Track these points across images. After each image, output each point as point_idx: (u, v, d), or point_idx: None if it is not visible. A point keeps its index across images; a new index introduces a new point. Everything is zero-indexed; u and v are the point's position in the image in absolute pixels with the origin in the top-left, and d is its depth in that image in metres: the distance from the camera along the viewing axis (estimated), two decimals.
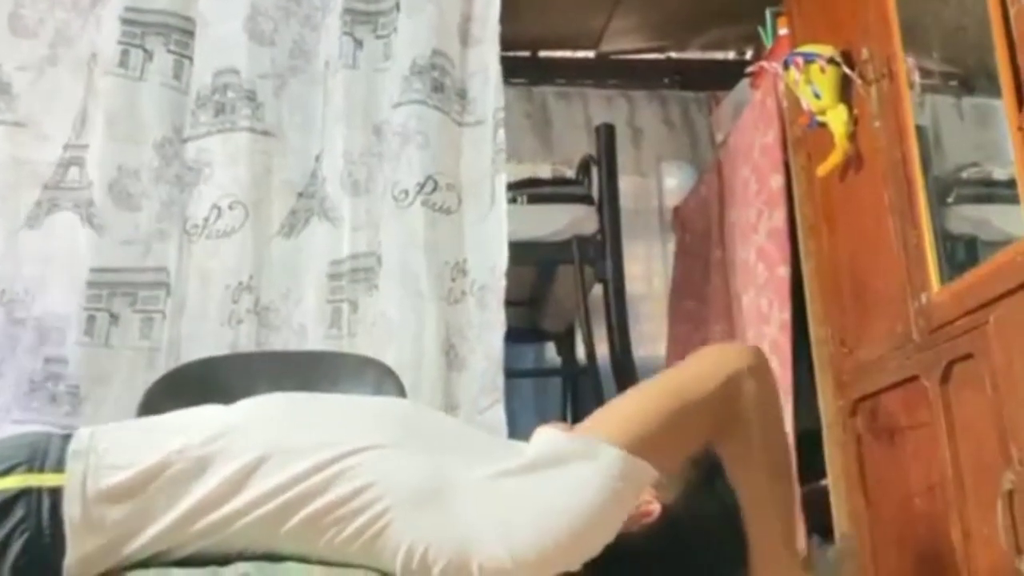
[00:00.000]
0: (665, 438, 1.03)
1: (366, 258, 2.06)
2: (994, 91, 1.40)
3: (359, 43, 2.18)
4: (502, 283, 1.97)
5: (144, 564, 1.02)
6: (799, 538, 1.95)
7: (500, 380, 1.93)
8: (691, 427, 1.06)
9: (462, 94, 2.15)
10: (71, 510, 1.01)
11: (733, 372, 1.06)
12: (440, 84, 2.12)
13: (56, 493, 1.01)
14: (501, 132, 2.05)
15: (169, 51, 2.16)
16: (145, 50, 2.14)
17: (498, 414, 1.88)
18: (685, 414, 1.05)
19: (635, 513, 1.15)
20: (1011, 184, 1.36)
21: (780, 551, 1.13)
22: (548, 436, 1.05)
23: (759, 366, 1.09)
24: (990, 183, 1.58)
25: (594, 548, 1.03)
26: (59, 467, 1.03)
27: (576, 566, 1.03)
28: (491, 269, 2.01)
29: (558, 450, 1.02)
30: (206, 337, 2.01)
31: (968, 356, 1.44)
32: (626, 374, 2.26)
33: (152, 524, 1.02)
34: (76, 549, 1.01)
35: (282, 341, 2.04)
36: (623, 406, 1.09)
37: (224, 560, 1.02)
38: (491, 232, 2.03)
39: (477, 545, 1.00)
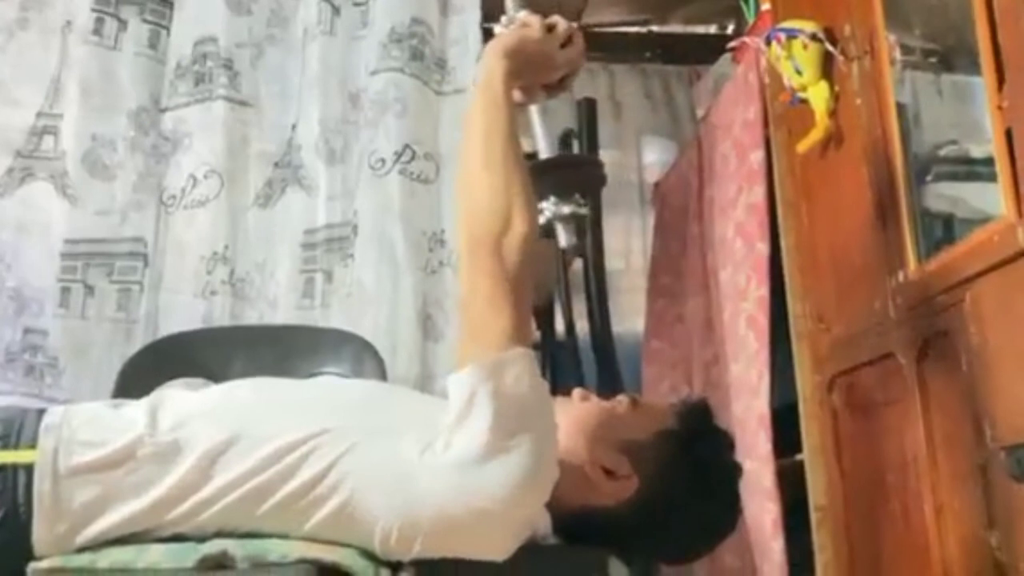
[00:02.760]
0: (514, 316, 1.05)
1: (341, 227, 2.04)
2: (973, 69, 1.39)
3: (336, 10, 2.15)
4: None
5: (122, 541, 1.02)
6: None
7: None
8: (511, 294, 1.07)
9: (441, 63, 2.13)
10: (41, 486, 1.00)
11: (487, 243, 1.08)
12: (419, 52, 2.09)
13: (31, 469, 1.01)
14: None
15: (144, 20, 2.13)
16: (119, 19, 2.11)
17: None
18: (501, 297, 1.06)
19: (612, 488, 1.16)
20: (989, 162, 1.36)
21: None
22: (451, 388, 1.05)
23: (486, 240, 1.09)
24: (968, 161, 1.59)
25: (553, 441, 1.06)
26: (34, 443, 1.02)
27: (557, 473, 1.06)
28: None
29: (464, 393, 1.03)
30: (181, 309, 1.99)
31: (944, 334, 1.45)
32: (605, 348, 2.26)
33: (117, 510, 1.02)
34: (42, 528, 1.00)
35: (257, 313, 2.02)
36: (466, 327, 1.10)
37: (202, 539, 1.02)
38: None
39: (451, 509, 1.01)
